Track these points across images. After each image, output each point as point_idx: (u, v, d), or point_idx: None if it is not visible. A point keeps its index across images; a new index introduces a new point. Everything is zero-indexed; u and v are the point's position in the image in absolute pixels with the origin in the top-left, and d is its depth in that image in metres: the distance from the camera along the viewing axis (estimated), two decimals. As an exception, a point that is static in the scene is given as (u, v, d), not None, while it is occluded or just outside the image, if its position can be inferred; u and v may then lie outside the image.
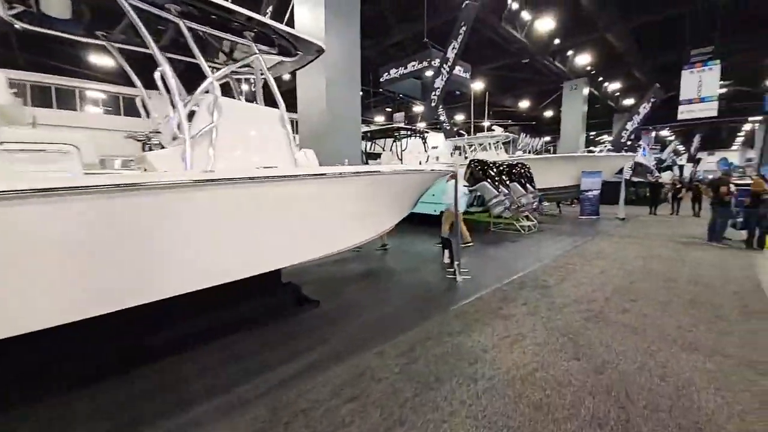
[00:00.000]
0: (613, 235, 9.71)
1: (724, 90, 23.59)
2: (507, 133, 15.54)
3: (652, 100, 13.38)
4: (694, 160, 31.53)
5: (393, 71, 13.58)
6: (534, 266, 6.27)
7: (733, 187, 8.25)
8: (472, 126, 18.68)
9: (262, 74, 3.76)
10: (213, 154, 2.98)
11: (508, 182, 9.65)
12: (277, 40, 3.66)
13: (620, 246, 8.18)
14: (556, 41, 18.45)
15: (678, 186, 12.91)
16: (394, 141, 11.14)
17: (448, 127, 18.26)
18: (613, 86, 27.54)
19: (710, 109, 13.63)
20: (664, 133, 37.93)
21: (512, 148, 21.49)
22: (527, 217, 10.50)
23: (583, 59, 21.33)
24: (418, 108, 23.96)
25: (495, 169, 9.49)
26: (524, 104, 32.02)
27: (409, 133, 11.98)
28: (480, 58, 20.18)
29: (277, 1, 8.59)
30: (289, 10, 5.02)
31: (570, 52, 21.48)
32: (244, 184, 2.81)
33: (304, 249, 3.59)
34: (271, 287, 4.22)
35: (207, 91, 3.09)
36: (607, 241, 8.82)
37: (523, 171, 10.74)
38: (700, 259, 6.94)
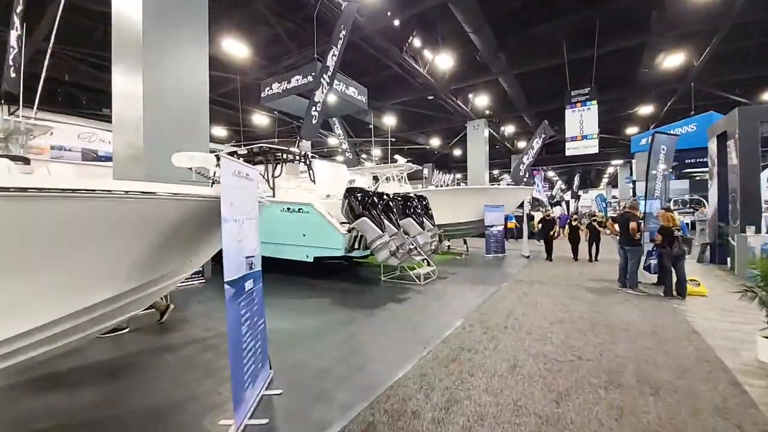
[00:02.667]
0: (522, 280, 7.87)
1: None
2: (411, 164, 13.72)
3: (543, 135, 12.78)
4: (576, 196, 34.18)
5: (275, 86, 10.97)
6: (410, 363, 3.69)
7: (641, 223, 6.90)
8: (389, 157, 16.81)
9: None
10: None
11: (397, 218, 7.30)
12: None
13: (531, 300, 6.18)
14: (456, 80, 18.04)
15: (574, 223, 11.39)
16: (266, 165, 8.25)
17: (350, 156, 16.06)
18: (509, 129, 28.77)
19: (592, 146, 13.54)
20: (550, 173, 41.49)
21: (424, 184, 20.46)
22: (426, 261, 8.26)
23: (482, 101, 21.44)
24: (334, 139, 21.70)
25: (381, 202, 7.10)
26: (435, 142, 31.95)
27: (284, 156, 9.20)
28: (387, 93, 19.13)
29: None
30: None
31: (471, 95, 21.56)
32: None
33: None
34: None
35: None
36: (517, 291, 6.85)
37: (419, 204, 8.59)
38: (628, 321, 5.10)
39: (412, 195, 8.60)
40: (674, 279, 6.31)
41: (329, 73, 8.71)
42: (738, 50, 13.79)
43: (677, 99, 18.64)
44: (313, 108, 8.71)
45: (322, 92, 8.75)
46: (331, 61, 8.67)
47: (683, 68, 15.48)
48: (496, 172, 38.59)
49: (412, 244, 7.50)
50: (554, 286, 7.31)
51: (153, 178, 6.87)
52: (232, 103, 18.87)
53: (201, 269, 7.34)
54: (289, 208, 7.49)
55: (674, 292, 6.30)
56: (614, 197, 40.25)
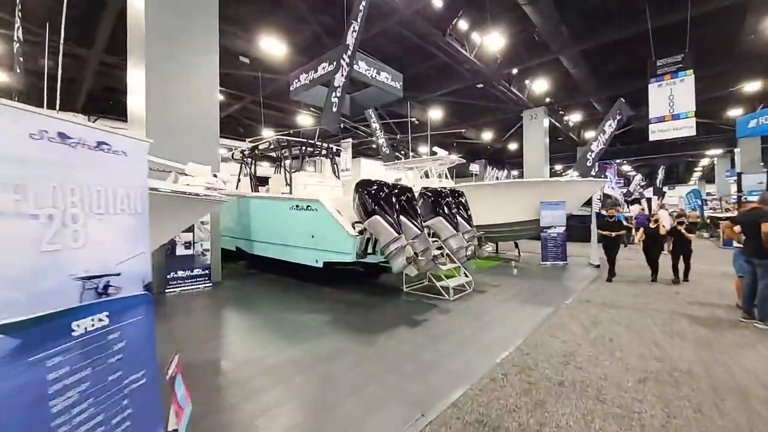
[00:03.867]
0: (589, 301, 5.81)
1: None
2: (453, 157, 12.02)
3: (618, 116, 10.16)
4: (660, 193, 28.98)
5: (303, 77, 10.05)
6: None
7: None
8: (429, 150, 15.24)
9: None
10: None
11: (420, 218, 5.80)
12: None
13: (603, 333, 4.27)
14: (509, 64, 15.80)
15: (653, 225, 7.67)
16: (280, 162, 7.32)
17: (387, 151, 14.77)
18: (574, 118, 25.13)
19: (687, 127, 10.40)
20: (625, 168, 35.90)
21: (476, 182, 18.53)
22: (463, 270, 6.65)
23: (540, 86, 18.70)
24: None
25: (401, 197, 5.67)
26: (487, 136, 29.35)
27: (306, 150, 8.22)
28: (433, 84, 17.48)
29: None
30: None
31: (527, 81, 19.00)
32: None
33: None
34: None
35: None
36: (581, 317, 4.92)
37: (454, 200, 6.99)
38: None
39: (444, 190, 7.01)
40: None
41: (349, 53, 7.49)
42: None
43: None
44: (333, 94, 7.57)
45: (342, 75, 7.57)
46: (351, 38, 7.45)
47: None
48: (558, 167, 34.36)
49: (441, 249, 5.94)
50: (638, 311, 5.20)
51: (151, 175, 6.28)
52: (277, 104, 18.76)
53: (207, 271, 6.59)
54: (297, 206, 6.40)
55: None
56: (709, 194, 33.50)
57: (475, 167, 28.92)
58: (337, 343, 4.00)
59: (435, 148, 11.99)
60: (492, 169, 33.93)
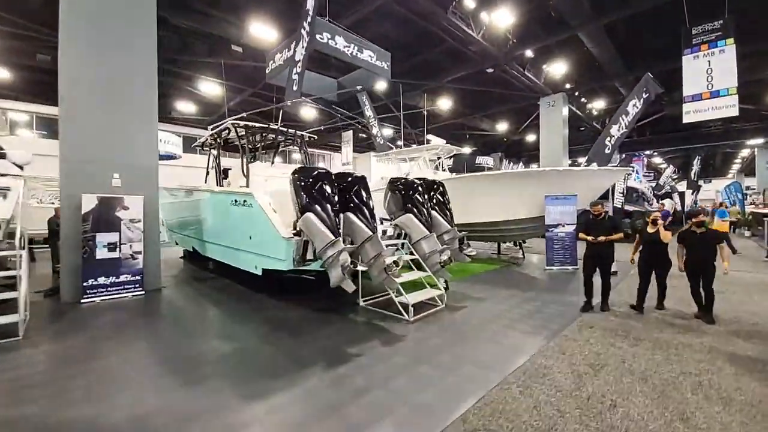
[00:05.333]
0: (594, 326, 4.30)
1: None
2: (451, 146, 10.56)
3: (644, 95, 8.37)
4: (695, 187, 25.99)
5: (278, 57, 8.87)
6: None
7: None
8: (424, 139, 13.79)
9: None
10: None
11: (372, 216, 4.51)
12: None
13: (605, 393, 2.80)
14: (523, 45, 13.97)
15: (652, 230, 4.88)
16: (244, 153, 6.18)
17: (382, 142, 13.44)
18: (597, 105, 22.68)
19: (729, 106, 8.40)
20: (656, 160, 32.65)
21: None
22: (445, 278, 5.34)
23: (558, 69, 16.59)
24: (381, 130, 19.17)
25: (348, 189, 4.41)
26: (502, 126, 27.33)
27: (267, 137, 7.09)
28: (441, 71, 15.72)
29: None
30: None
31: (544, 66, 17.03)
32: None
33: None
34: None
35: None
36: (579, 357, 3.46)
37: (429, 194, 5.69)
38: None
39: (418, 181, 5.66)
40: None
41: (308, 19, 6.22)
42: None
43: None
44: (293, 70, 6.37)
45: (302, 47, 6.34)
46: (310, 3, 6.17)
47: None
48: (581, 160, 31.68)
49: (421, 252, 4.64)
50: (661, 348, 3.69)
51: (67, 160, 5.31)
52: (280, 96, 17.73)
53: (138, 277, 5.59)
54: (236, 200, 5.27)
55: None
56: (749, 187, 29.90)
57: (488, 160, 26.97)
58: (207, 395, 2.79)
59: (429, 136, 10.55)
60: (509, 162, 31.70)
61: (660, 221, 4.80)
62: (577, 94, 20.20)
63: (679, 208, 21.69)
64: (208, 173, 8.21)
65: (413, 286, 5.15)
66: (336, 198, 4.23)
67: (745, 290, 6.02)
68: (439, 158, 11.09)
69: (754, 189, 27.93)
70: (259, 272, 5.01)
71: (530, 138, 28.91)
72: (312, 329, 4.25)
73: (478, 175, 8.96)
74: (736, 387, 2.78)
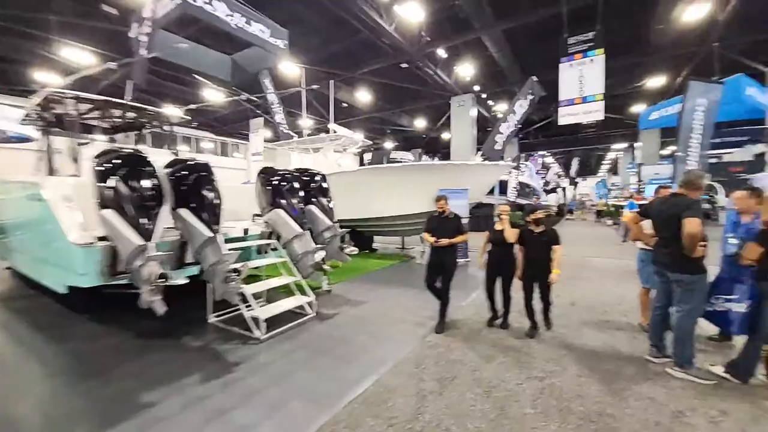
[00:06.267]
0: (471, 329, 4.08)
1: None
2: (357, 137, 9.92)
3: (529, 96, 8.75)
4: (574, 183, 29.85)
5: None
6: None
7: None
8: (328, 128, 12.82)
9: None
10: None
11: (213, 211, 3.56)
12: None
13: (440, 421, 2.43)
14: (434, 43, 13.94)
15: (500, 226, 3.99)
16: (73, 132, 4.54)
17: (284, 129, 12.25)
18: (501, 107, 24.33)
19: (596, 111, 9.35)
20: (548, 159, 36.88)
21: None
22: (323, 282, 4.61)
23: (467, 71, 17.06)
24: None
25: (179, 177, 3.38)
26: (421, 123, 27.80)
27: (134, 118, 5.54)
28: (357, 61, 15.03)
29: None
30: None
31: (456, 68, 17.30)
32: None
33: None
34: None
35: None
36: (443, 361, 3.10)
37: (305, 187, 4.91)
38: None
39: (291, 171, 4.84)
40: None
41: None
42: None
43: (694, 67, 14.18)
44: (141, 27, 4.97)
45: (151, 2, 4.99)
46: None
47: (705, 25, 11.18)
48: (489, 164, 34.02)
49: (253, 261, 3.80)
50: (514, 349, 3.54)
51: None
52: (183, 76, 15.02)
53: None
54: (30, 194, 3.81)
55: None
56: (614, 184, 35.67)
57: (408, 156, 27.28)
58: None
59: (334, 126, 9.75)
60: (432, 158, 32.62)
61: (504, 216, 3.89)
62: (485, 96, 21.29)
63: (562, 201, 24.63)
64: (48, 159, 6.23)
65: (287, 293, 4.37)
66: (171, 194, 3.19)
67: (601, 277, 6.54)
68: (345, 149, 10.39)
69: (618, 185, 33.29)
70: (65, 291, 3.67)
71: (446, 135, 30.12)
72: (117, 364, 3.13)
73: (376, 168, 8.48)
74: (577, 393, 2.60)
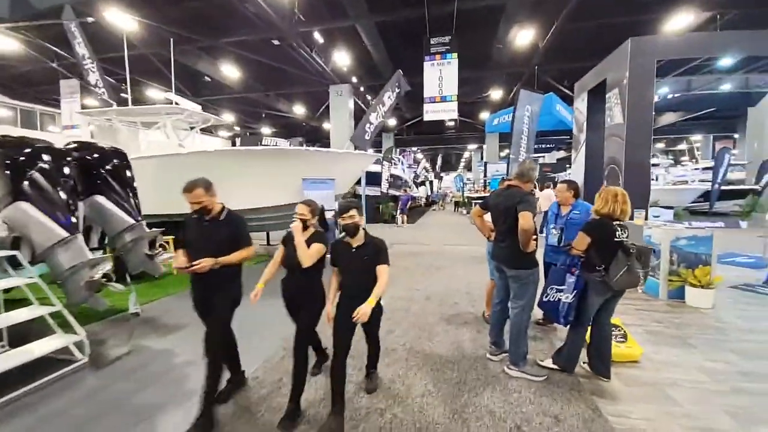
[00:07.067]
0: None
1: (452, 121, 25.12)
2: (208, 115, 7.97)
3: (396, 89, 8.69)
4: (438, 177, 33.44)
5: None
6: None
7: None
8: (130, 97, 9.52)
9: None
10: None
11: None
12: None
13: None
14: (308, 23, 12.64)
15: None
16: None
17: (103, 93, 9.13)
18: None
19: (451, 110, 10.27)
20: (419, 156, 40.34)
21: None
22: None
23: (344, 60, 16.32)
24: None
25: None
26: (300, 110, 25.91)
27: None
28: (215, 26, 12.66)
29: None
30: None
31: (333, 57, 16.27)
32: None
33: None
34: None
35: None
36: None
37: (91, 169, 3.19)
38: None
39: (50, 144, 3.10)
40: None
41: None
42: (580, 30, 12.02)
43: (522, 84, 17.35)
44: None
45: None
46: None
47: (530, 49, 13.58)
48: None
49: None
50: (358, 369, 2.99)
51: None
52: None
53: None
54: None
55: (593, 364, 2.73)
56: (468, 179, 41.78)
57: (284, 143, 25.11)
58: None
59: (171, 95, 7.53)
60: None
61: (297, 224, 2.41)
62: (362, 90, 21.13)
63: (429, 193, 27.14)
64: None
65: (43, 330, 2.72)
66: None
67: (453, 264, 6.87)
68: (192, 128, 8.29)
69: (471, 180, 39.01)
70: None
71: (327, 125, 29.11)
72: None
73: (222, 152, 6.91)
74: (419, 427, 2.16)
